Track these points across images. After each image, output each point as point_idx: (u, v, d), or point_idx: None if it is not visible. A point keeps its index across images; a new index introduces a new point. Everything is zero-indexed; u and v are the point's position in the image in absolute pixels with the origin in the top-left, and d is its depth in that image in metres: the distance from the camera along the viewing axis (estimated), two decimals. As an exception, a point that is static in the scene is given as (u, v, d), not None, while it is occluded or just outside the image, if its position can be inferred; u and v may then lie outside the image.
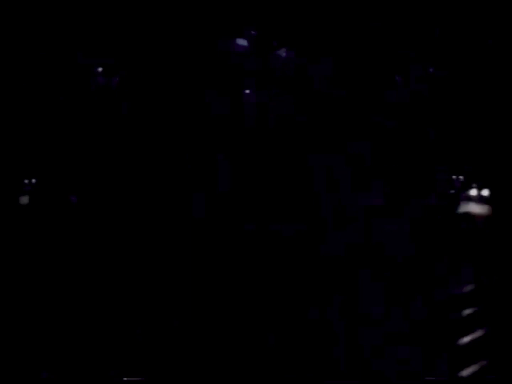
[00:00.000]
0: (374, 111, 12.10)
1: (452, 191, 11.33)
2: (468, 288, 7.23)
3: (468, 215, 10.79)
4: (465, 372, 4.61)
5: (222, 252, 7.30)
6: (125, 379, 5.01)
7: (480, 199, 10.77)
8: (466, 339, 5.36)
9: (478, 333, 5.46)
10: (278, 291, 7.25)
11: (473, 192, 10.91)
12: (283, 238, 8.09)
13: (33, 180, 11.00)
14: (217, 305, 6.49)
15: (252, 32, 10.04)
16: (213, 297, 6.58)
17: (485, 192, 10.77)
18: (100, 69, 10.63)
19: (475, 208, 10.73)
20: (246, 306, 6.56)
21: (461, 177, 11.34)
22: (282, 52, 10.61)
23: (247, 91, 12.31)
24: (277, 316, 6.42)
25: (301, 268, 7.42)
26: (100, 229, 9.23)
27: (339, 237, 8.27)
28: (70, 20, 9.16)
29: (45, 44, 9.21)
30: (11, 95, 8.17)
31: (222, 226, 8.46)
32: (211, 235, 8.11)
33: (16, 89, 8.75)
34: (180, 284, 6.97)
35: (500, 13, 7.79)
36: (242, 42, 10.23)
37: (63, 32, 9.27)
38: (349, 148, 12.51)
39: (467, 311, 6.20)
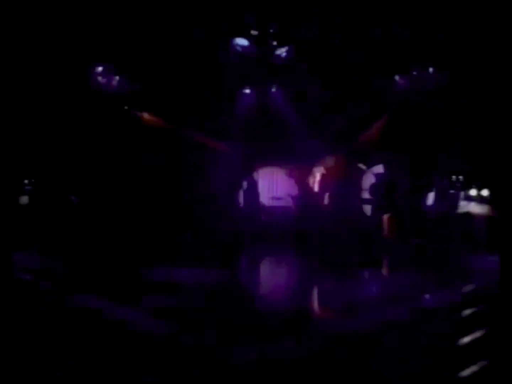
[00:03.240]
0: (373, 111, 12.12)
1: (452, 191, 11.35)
2: (468, 288, 7.23)
3: (468, 215, 10.80)
4: (465, 372, 4.60)
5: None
6: None
7: (480, 199, 10.79)
8: (466, 339, 5.35)
9: (478, 333, 5.45)
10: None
11: (473, 192, 10.92)
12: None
13: (33, 180, 11.01)
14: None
15: (253, 32, 10.03)
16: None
17: (485, 192, 10.78)
18: (100, 69, 10.60)
19: (475, 208, 10.73)
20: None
21: (461, 177, 11.38)
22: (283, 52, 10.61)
23: (247, 91, 12.32)
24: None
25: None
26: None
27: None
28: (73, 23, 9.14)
29: (46, 45, 9.15)
30: (11, 96, 8.13)
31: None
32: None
33: (16, 90, 8.71)
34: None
35: (499, 14, 7.77)
36: (242, 41, 10.20)
37: (64, 35, 9.24)
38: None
39: (467, 311, 6.20)
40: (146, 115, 12.07)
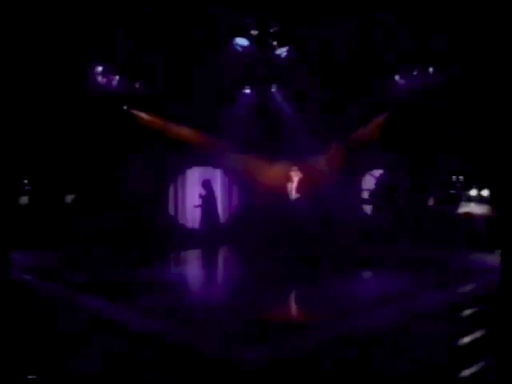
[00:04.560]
0: (373, 110, 12.09)
1: (452, 191, 11.33)
2: (468, 288, 7.22)
3: (468, 215, 10.78)
4: (466, 373, 4.61)
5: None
6: None
7: (480, 199, 10.77)
8: (466, 340, 5.35)
9: (478, 333, 5.45)
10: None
11: (473, 192, 10.90)
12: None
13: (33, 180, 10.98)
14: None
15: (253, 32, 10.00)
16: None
17: (485, 192, 10.76)
18: (100, 68, 10.54)
19: (475, 208, 10.71)
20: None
21: (461, 177, 11.36)
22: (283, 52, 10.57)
23: (247, 91, 12.30)
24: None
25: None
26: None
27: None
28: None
29: (43, 45, 9.10)
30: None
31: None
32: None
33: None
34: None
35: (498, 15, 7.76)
36: (243, 41, 10.17)
37: (63, 34, 9.20)
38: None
39: (467, 311, 6.19)
40: (144, 115, 11.99)
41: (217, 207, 12.78)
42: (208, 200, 12.49)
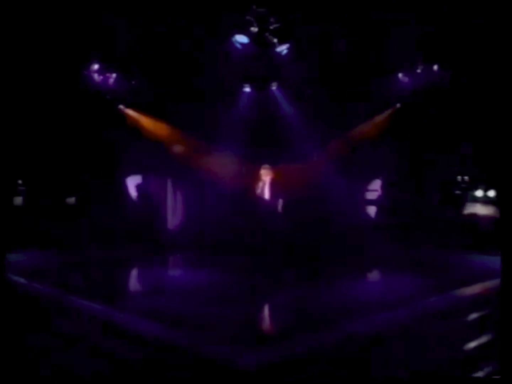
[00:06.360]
0: (375, 109, 11.99)
1: (458, 192, 11.21)
2: (473, 290, 7.12)
3: (473, 215, 10.67)
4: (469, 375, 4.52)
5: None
6: None
7: (486, 200, 10.65)
8: (472, 344, 5.25)
9: (481, 335, 5.35)
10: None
11: (479, 192, 10.78)
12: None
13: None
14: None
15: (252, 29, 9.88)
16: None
17: (491, 193, 10.64)
18: (96, 66, 10.49)
19: (481, 209, 10.60)
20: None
21: (466, 177, 11.24)
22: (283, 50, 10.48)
23: (247, 89, 12.20)
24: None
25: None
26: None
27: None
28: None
29: (36, 44, 9.04)
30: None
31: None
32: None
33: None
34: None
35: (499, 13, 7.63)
36: (242, 38, 10.07)
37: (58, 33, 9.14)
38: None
39: (471, 313, 6.10)
40: (139, 116, 11.89)
41: (154, 211, 12.71)
42: (143, 204, 12.49)
